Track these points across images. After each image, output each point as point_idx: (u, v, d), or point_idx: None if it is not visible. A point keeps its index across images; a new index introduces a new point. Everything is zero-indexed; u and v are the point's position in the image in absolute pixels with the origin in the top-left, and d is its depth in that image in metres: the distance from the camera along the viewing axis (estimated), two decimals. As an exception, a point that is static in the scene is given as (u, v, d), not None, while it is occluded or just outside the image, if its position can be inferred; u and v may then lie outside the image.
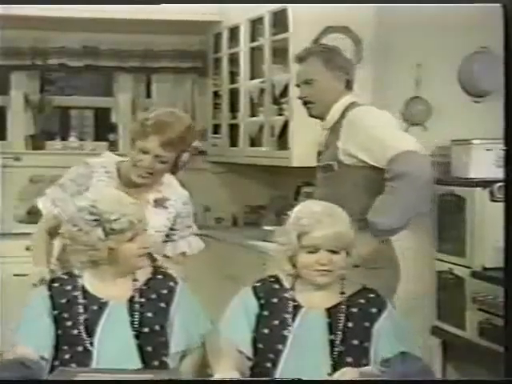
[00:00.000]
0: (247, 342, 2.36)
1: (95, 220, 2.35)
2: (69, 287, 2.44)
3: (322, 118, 3.04)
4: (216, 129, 5.14)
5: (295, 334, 2.34)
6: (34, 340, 2.38)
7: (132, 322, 2.40)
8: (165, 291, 2.47)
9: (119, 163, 2.80)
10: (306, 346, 2.32)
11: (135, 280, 2.45)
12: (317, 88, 3.01)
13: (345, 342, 2.32)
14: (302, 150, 4.03)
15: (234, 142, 4.89)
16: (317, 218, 2.34)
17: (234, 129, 4.89)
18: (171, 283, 2.49)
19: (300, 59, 3.06)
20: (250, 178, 3.70)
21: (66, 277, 2.49)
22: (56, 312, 2.41)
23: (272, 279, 2.44)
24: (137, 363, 2.35)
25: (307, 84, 3.01)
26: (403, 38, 4.03)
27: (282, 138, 4.26)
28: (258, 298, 2.41)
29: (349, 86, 3.03)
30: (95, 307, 2.40)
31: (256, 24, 4.55)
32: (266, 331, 2.37)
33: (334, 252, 2.33)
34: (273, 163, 4.35)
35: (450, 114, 4.12)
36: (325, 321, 2.34)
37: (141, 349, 2.38)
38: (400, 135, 2.88)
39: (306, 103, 3.05)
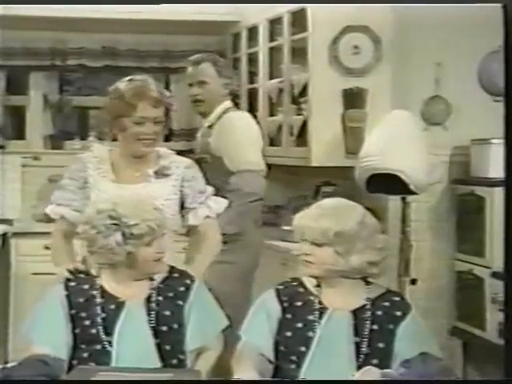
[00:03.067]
0: (269, 346, 2.37)
1: (114, 224, 2.35)
2: (86, 286, 2.45)
3: (205, 116, 3.69)
4: None
5: (321, 335, 2.33)
6: (50, 340, 2.38)
7: (149, 321, 2.40)
8: (182, 288, 2.47)
9: (109, 151, 2.82)
10: (332, 347, 2.32)
11: (152, 279, 2.46)
12: (207, 90, 3.67)
13: (370, 345, 2.32)
14: (321, 150, 4.06)
15: None
16: (315, 210, 2.36)
17: None
18: (187, 281, 2.50)
19: (194, 63, 3.72)
20: (268, 178, 3.70)
21: (83, 276, 2.50)
22: (73, 311, 2.41)
23: (295, 283, 2.44)
24: (155, 362, 2.36)
25: (200, 85, 3.67)
26: (422, 37, 4.06)
27: (301, 138, 4.26)
28: (281, 302, 2.40)
29: (231, 93, 3.76)
30: (113, 306, 2.41)
31: (275, 24, 4.55)
32: (288, 334, 2.37)
33: (317, 245, 2.33)
34: (292, 163, 4.36)
35: (469, 114, 4.11)
36: (350, 323, 2.34)
37: (159, 347, 2.38)
38: (249, 151, 3.62)
39: (195, 101, 3.70)
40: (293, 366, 2.33)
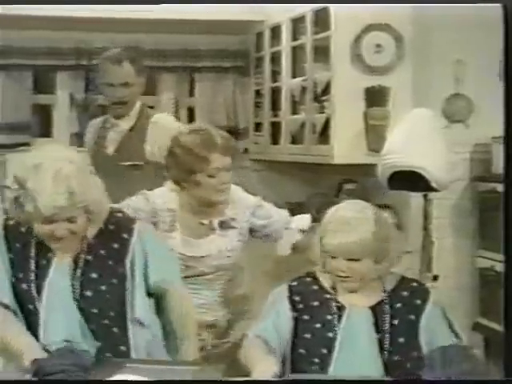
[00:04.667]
0: (274, 337, 2.33)
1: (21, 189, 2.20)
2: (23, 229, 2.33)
3: (119, 118, 3.47)
4: (258, 127, 5.18)
5: (342, 336, 2.30)
6: None
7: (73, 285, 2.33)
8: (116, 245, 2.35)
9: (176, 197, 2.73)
10: (354, 346, 2.28)
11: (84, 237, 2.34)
12: (130, 91, 3.47)
13: (393, 341, 2.28)
14: (343, 147, 4.08)
15: (275, 140, 4.92)
16: (340, 224, 2.29)
17: (275, 127, 4.93)
18: (125, 235, 2.35)
19: (115, 62, 3.49)
20: (290, 175, 3.75)
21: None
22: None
23: (309, 278, 2.40)
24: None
25: (124, 86, 3.45)
26: (443, 35, 4.07)
27: (323, 136, 4.28)
28: (293, 302, 2.36)
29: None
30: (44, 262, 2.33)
31: (297, 23, 4.58)
32: (308, 336, 2.33)
33: (354, 260, 2.28)
34: (314, 160, 4.38)
35: (490, 111, 4.12)
36: (370, 320, 2.31)
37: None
38: None
39: (117, 103, 3.47)
40: (315, 368, 2.30)
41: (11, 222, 2.36)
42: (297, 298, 2.37)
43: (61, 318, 2.30)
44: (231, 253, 2.75)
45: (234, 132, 5.10)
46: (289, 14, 4.61)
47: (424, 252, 3.90)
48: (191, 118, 5.23)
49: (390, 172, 3.78)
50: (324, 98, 4.29)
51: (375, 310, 2.33)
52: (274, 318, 2.36)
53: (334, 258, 2.30)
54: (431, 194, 3.87)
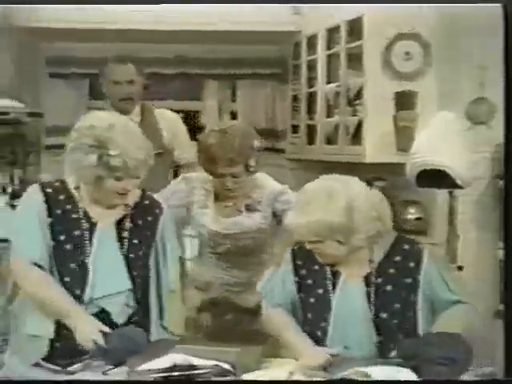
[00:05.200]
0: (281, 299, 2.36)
1: (96, 146, 2.28)
2: (62, 197, 2.41)
3: (126, 113, 3.60)
4: (295, 129, 5.28)
5: (337, 303, 2.27)
6: (30, 248, 2.34)
7: (121, 248, 2.39)
8: (150, 218, 2.45)
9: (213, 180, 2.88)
10: (349, 314, 2.26)
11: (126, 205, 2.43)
12: (136, 88, 3.73)
13: (386, 308, 2.23)
14: (374, 148, 4.25)
15: (311, 141, 5.02)
16: (301, 204, 2.21)
17: (311, 129, 5.03)
18: (156, 210, 2.48)
19: (119, 61, 3.77)
20: (324, 174, 3.94)
21: (59, 185, 2.45)
22: (51, 220, 2.37)
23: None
24: (127, 284, 2.40)
25: (129, 83, 3.71)
26: (468, 41, 4.12)
27: (356, 137, 4.43)
28: (295, 267, 2.33)
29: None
30: (87, 225, 2.40)
31: (332, 33, 4.71)
32: (312, 300, 2.32)
33: (319, 242, 2.20)
34: (347, 160, 4.44)
35: None
36: (363, 289, 2.27)
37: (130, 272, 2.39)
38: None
39: (125, 99, 3.72)
40: (319, 333, 2.29)
41: (50, 190, 2.41)
42: (299, 262, 2.36)
43: (108, 273, 2.37)
44: (255, 234, 2.88)
45: (273, 134, 5.30)
46: (324, 24, 4.77)
47: (449, 245, 4.01)
48: (234, 121, 5.38)
49: (418, 170, 3.90)
50: (357, 101, 4.45)
51: (368, 278, 2.28)
52: (280, 285, 2.37)
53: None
54: (456, 191, 3.97)
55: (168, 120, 3.88)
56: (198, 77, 5.46)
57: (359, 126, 4.40)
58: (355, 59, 4.46)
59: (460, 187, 3.88)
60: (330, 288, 2.29)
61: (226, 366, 2.00)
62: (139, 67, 3.85)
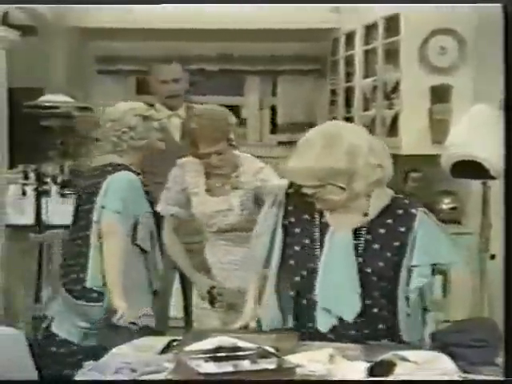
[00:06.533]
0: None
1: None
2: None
3: (173, 109, 3.79)
4: None
5: (325, 254, 2.24)
6: None
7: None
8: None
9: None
10: (336, 266, 2.22)
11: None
12: (181, 85, 3.85)
13: (371, 264, 2.20)
14: (410, 140, 4.36)
15: None
16: (298, 148, 2.18)
17: (349, 122, 4.93)
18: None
19: (168, 61, 3.91)
20: None
21: None
22: None
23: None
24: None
25: (175, 81, 3.82)
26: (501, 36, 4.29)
27: (392, 129, 4.55)
28: (286, 211, 2.30)
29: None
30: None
31: (370, 29, 4.84)
32: (297, 248, 2.28)
33: (319, 186, 2.16)
34: None
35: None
36: (351, 242, 2.22)
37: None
38: None
39: (172, 96, 3.82)
40: (304, 281, 2.25)
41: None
42: (291, 208, 2.32)
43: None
44: (241, 211, 2.93)
45: (312, 127, 5.47)
46: (362, 21, 4.90)
47: (482, 233, 4.10)
48: (274, 115, 5.63)
49: (453, 162, 4.01)
50: (393, 95, 4.58)
51: (357, 233, 2.23)
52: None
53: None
54: (489, 182, 4.02)
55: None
56: (239, 73, 5.63)
57: (395, 118, 4.52)
58: (392, 54, 4.58)
59: (493, 178, 3.95)
60: (317, 239, 2.26)
61: (270, 348, 1.99)
62: (184, 65, 4.03)
